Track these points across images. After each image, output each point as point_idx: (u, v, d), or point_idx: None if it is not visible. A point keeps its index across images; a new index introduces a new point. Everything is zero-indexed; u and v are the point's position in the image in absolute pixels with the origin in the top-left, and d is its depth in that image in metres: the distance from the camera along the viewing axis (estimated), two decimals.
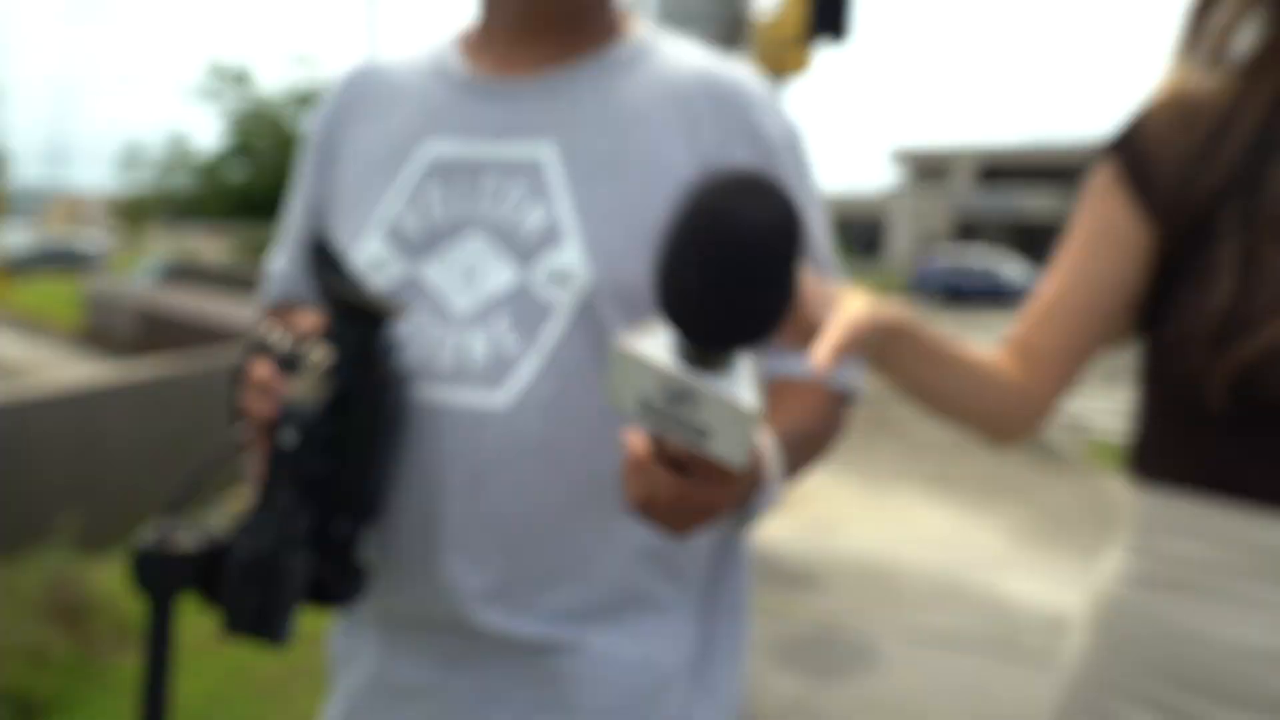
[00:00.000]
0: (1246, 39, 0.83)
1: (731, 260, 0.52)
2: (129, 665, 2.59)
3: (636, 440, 0.61)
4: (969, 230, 45.84)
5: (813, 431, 0.84)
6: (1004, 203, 45.49)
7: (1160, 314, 0.81)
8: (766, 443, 0.74)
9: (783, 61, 4.49)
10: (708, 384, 0.53)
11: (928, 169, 47.29)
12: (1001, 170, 47.03)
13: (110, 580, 2.88)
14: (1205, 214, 0.80)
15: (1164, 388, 0.84)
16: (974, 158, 47.02)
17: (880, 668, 2.84)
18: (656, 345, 0.56)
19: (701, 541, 0.84)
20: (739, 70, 0.87)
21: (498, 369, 0.78)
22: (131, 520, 1.20)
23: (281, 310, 0.97)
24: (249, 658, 2.56)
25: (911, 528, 4.32)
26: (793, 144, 0.87)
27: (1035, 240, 47.69)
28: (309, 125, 0.97)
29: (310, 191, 0.94)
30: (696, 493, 0.60)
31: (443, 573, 0.79)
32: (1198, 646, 0.77)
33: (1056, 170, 44.98)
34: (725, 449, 0.54)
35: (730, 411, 0.53)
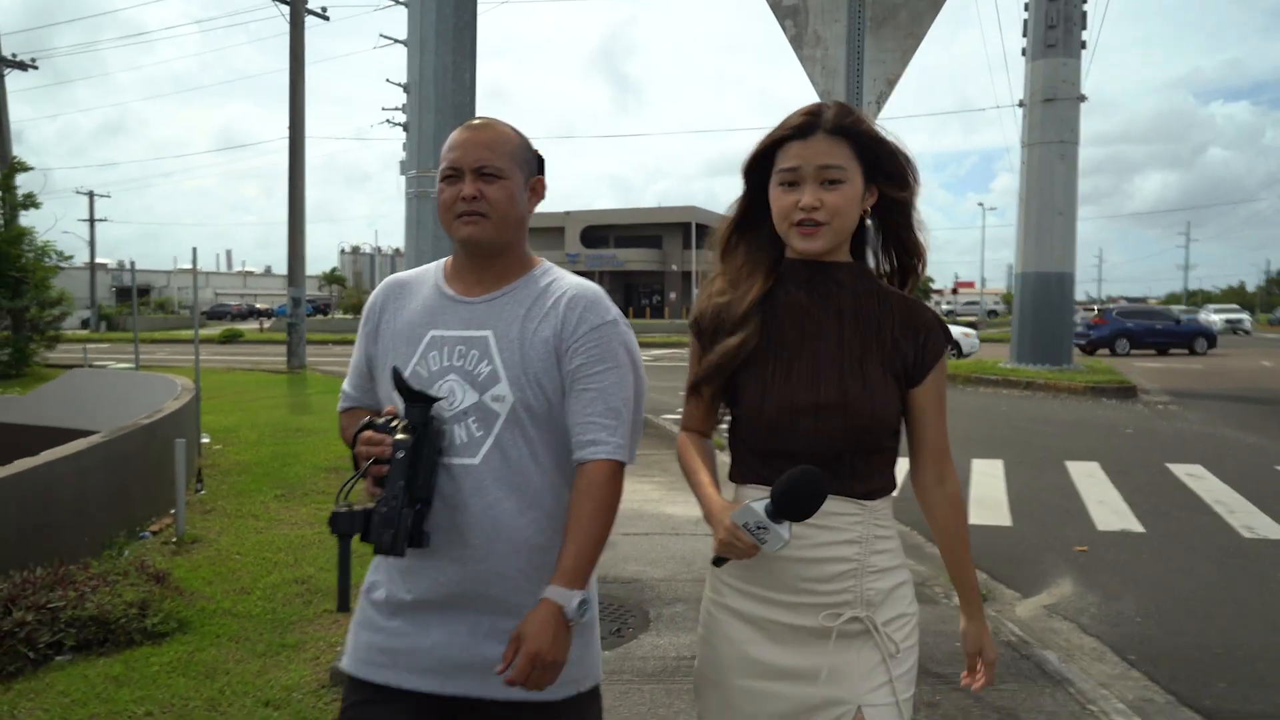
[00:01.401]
0: (742, 255, 1.64)
1: (803, 498, 1.38)
2: (200, 606, 4.27)
3: (733, 528, 1.41)
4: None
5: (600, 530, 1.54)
6: (607, 256, 51.94)
7: (731, 401, 1.62)
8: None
9: None
10: (775, 527, 1.39)
11: (546, 231, 52.20)
12: (598, 233, 53.64)
13: (162, 561, 4.46)
14: (734, 352, 1.57)
15: (737, 440, 1.62)
16: (579, 221, 52.87)
17: (618, 547, 5.39)
18: (762, 504, 1.39)
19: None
20: (590, 287, 1.63)
21: (471, 446, 1.55)
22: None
23: (352, 411, 1.74)
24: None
25: (638, 492, 7.00)
26: (610, 331, 1.60)
27: (632, 287, 55.07)
28: (366, 306, 1.74)
29: (364, 348, 1.72)
30: (732, 545, 1.43)
31: (454, 537, 1.54)
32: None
33: (644, 233, 52.59)
34: (769, 548, 1.40)
35: (777, 539, 1.39)
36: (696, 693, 1.66)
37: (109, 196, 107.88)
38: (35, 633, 3.69)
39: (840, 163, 1.51)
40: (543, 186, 1.70)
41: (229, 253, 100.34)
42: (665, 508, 6.41)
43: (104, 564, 4.53)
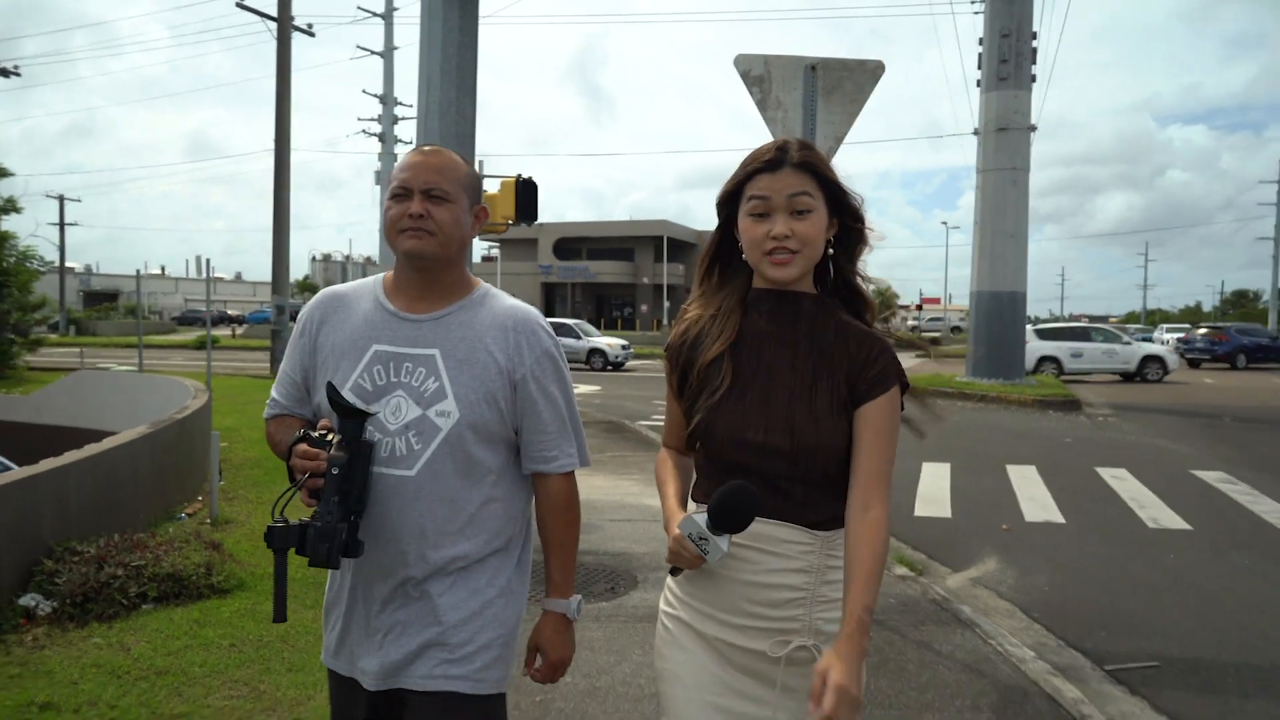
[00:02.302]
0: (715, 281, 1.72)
1: (735, 512, 1.47)
2: (251, 570, 4.98)
3: (680, 538, 1.51)
4: (550, 291, 52.58)
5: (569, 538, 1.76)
6: (579, 269, 52.73)
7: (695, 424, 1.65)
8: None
9: (491, 226, 7.76)
10: (713, 539, 1.48)
11: (520, 242, 52.76)
12: (571, 245, 54.42)
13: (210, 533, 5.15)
14: (696, 374, 1.65)
15: (698, 458, 1.68)
16: (552, 233, 53.55)
17: (605, 530, 6.14)
18: (703, 517, 1.48)
19: (510, 529, 1.72)
20: (529, 311, 1.73)
21: (408, 459, 1.62)
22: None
23: (280, 419, 1.78)
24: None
25: (620, 487, 7.70)
26: (551, 353, 1.72)
27: (604, 299, 55.88)
28: (301, 317, 1.77)
29: (299, 360, 1.76)
30: (679, 554, 1.54)
31: (389, 547, 1.63)
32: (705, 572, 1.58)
33: (616, 245, 53.47)
34: (711, 558, 1.49)
35: (716, 550, 1.48)
36: (658, 696, 1.72)
37: (79, 201, 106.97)
38: (126, 585, 4.40)
39: (808, 190, 1.56)
40: (485, 214, 1.80)
41: (202, 259, 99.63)
42: (644, 500, 7.19)
43: (165, 534, 5.23)
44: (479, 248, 62.06)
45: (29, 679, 3.53)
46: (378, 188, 49.45)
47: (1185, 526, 6.92)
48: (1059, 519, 7.16)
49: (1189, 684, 3.88)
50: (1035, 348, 22.19)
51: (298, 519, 1.53)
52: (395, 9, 46.76)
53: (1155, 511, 7.42)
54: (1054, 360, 22.40)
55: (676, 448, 1.74)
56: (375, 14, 46.91)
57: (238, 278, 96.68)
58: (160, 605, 4.44)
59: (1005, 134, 18.29)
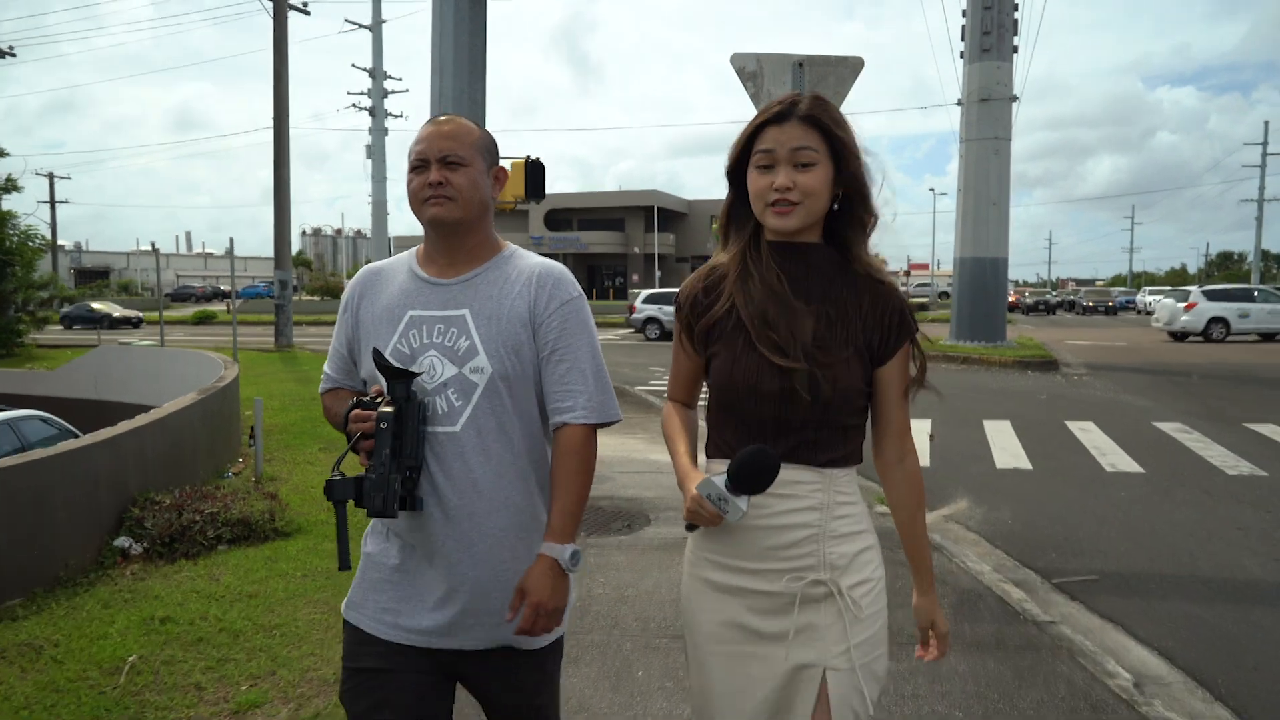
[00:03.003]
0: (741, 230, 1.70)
1: (756, 474, 1.47)
2: (307, 517, 5.62)
3: (699, 498, 1.51)
4: None
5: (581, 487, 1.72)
6: (571, 239, 53.12)
7: (709, 374, 1.69)
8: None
9: (501, 203, 8.35)
10: (733, 499, 1.49)
11: (511, 214, 53.04)
12: (561, 216, 54.72)
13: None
14: (711, 325, 1.66)
15: (710, 410, 1.70)
16: (543, 204, 53.78)
17: (617, 480, 6.80)
18: (721, 478, 1.49)
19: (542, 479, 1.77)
20: (556, 266, 1.79)
21: (451, 415, 1.69)
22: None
23: (333, 392, 1.87)
24: None
25: (626, 445, 8.43)
26: (575, 305, 1.76)
27: (595, 269, 56.34)
28: (345, 294, 1.87)
29: (345, 334, 1.84)
30: (697, 514, 1.54)
31: (443, 502, 1.68)
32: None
33: (607, 216, 53.80)
34: (730, 518, 1.50)
35: (736, 510, 1.49)
36: (686, 653, 1.77)
37: (69, 179, 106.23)
38: (204, 528, 5.05)
39: (811, 144, 1.58)
40: (505, 175, 1.85)
41: (189, 234, 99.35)
42: (650, 455, 7.86)
43: (228, 487, 5.87)
44: None
45: (142, 601, 4.17)
46: (369, 161, 49.57)
47: (1139, 469, 7.63)
48: (1027, 466, 7.86)
49: (1120, 591, 4.58)
50: (1204, 309, 23.37)
51: (354, 475, 1.64)
52: None
53: (1114, 458, 8.13)
54: (1222, 321, 23.29)
55: (684, 401, 1.78)
56: None
57: (228, 253, 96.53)
58: (234, 546, 5.09)
59: (988, 104, 18.83)
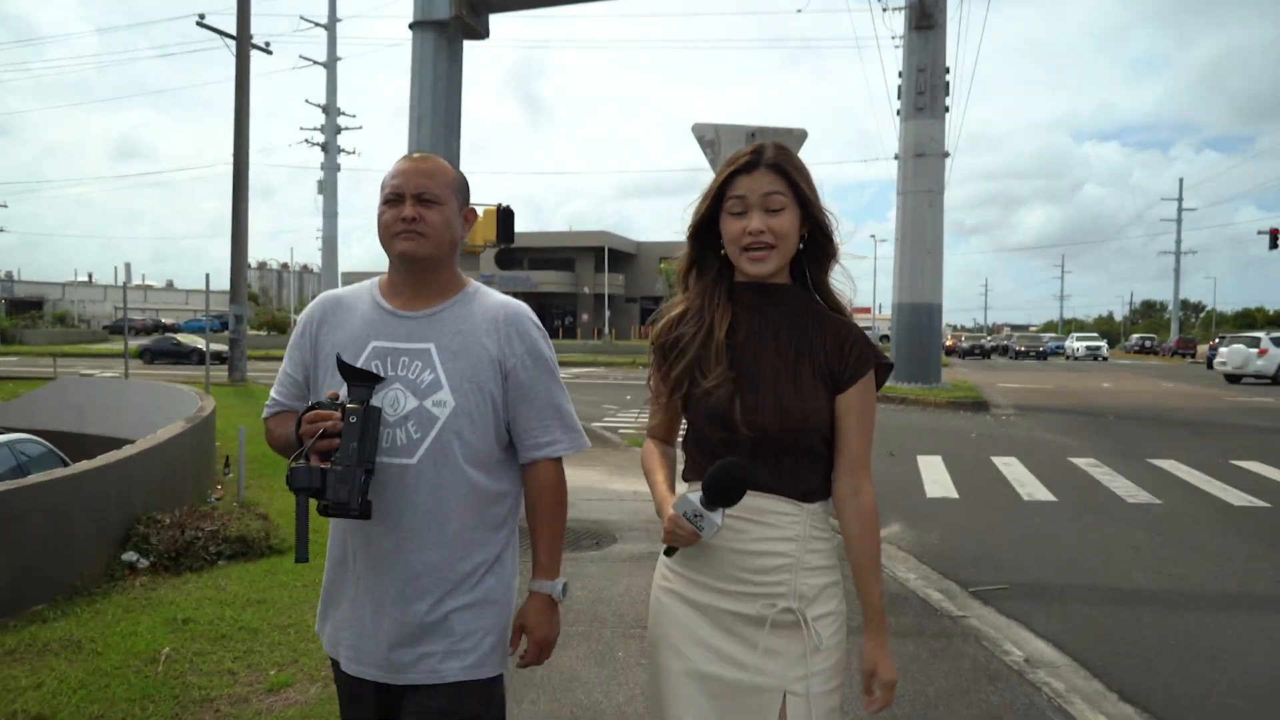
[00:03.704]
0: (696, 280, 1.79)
1: (729, 485, 1.53)
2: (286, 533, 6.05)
3: (675, 518, 1.57)
4: None
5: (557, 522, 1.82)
6: (521, 278, 53.65)
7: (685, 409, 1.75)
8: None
9: (470, 248, 8.92)
10: (708, 514, 1.55)
11: (463, 253, 53.29)
12: (512, 255, 55.28)
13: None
14: (684, 366, 1.72)
15: (687, 443, 1.76)
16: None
17: (581, 507, 7.37)
18: (696, 495, 1.55)
19: (508, 517, 1.80)
20: (519, 306, 1.83)
21: (409, 448, 1.70)
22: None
23: (279, 415, 1.85)
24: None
25: (586, 476, 8.97)
26: (540, 344, 1.81)
27: (545, 309, 56.91)
28: (301, 319, 1.86)
29: (300, 360, 1.85)
30: (675, 533, 1.59)
31: (394, 533, 1.70)
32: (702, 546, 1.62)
33: (558, 256, 54.55)
34: (706, 534, 1.56)
35: (711, 525, 1.55)
36: (648, 670, 1.82)
37: (5, 206, 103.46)
38: (206, 545, 5.47)
39: (780, 190, 1.68)
40: (474, 215, 1.89)
41: (128, 266, 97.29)
42: (609, 485, 8.43)
43: (224, 508, 6.27)
44: None
45: (159, 606, 4.60)
46: (319, 196, 49.71)
47: (1052, 498, 8.45)
48: (954, 495, 8.62)
49: (1026, 597, 5.27)
50: (1275, 354, 25.14)
51: (317, 465, 1.61)
52: (338, 19, 47.31)
53: (1032, 488, 8.95)
54: None
55: (662, 438, 1.84)
56: (318, 24, 47.33)
57: (169, 285, 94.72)
58: (233, 561, 5.51)
59: (922, 159, 20.07)
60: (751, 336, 1.72)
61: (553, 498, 1.81)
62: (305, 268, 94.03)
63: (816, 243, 1.75)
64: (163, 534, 5.44)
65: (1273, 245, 34.89)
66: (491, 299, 1.83)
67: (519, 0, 9.11)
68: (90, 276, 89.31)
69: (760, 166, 1.69)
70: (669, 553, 1.71)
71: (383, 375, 1.71)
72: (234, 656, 3.89)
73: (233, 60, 21.95)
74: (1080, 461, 10.68)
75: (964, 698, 3.58)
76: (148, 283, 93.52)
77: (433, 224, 1.74)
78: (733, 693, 1.64)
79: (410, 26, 9.21)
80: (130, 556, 5.32)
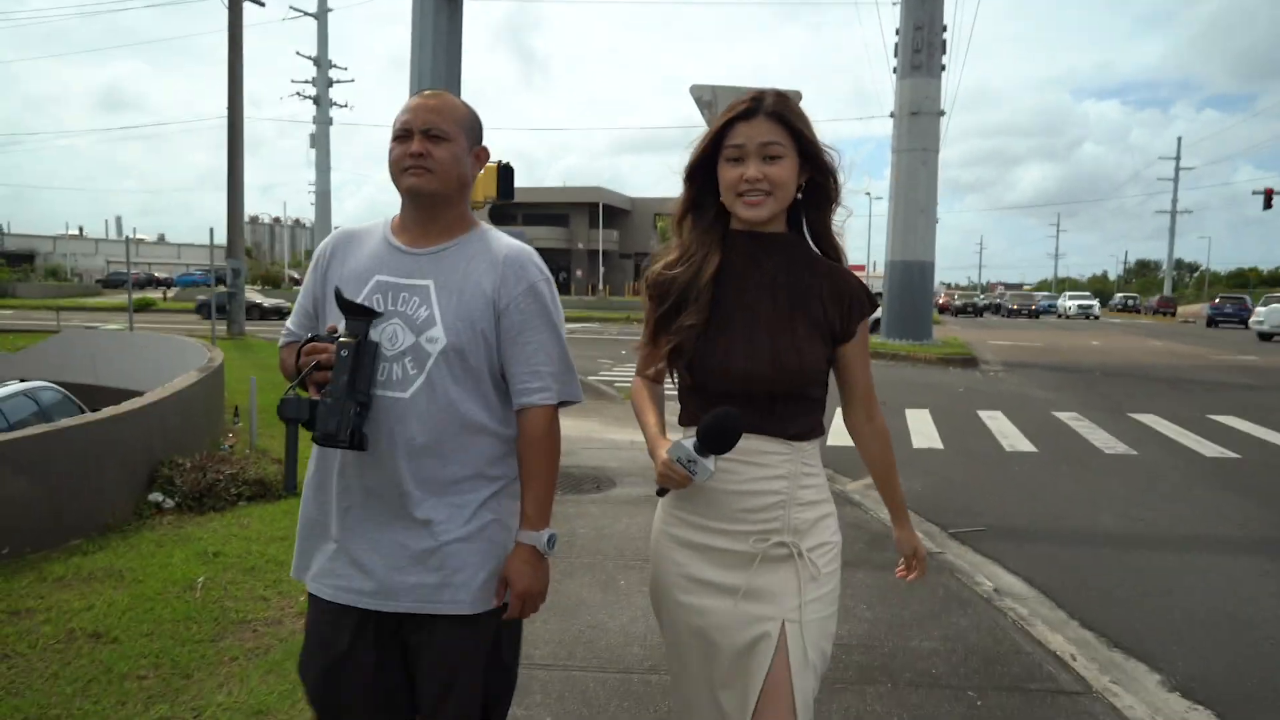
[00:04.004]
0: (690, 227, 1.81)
1: (723, 435, 1.59)
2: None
3: (669, 462, 1.62)
4: None
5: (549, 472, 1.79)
6: (515, 234, 53.52)
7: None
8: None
9: (472, 203, 9.12)
10: (701, 460, 1.61)
11: None
12: (506, 210, 55.09)
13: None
14: (678, 306, 1.75)
15: (681, 387, 1.80)
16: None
17: (581, 454, 7.66)
18: (690, 441, 1.61)
19: (504, 461, 1.79)
20: (524, 248, 1.82)
21: (404, 382, 1.72)
22: None
23: (291, 345, 1.86)
24: None
25: (584, 426, 9.27)
26: (540, 287, 1.78)
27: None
28: (316, 252, 1.89)
29: (312, 290, 1.87)
30: (668, 477, 1.65)
31: (385, 465, 1.71)
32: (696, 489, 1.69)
33: (552, 211, 54.40)
34: (699, 478, 1.62)
35: (705, 471, 1.61)
36: (654, 610, 1.89)
37: None
38: (227, 486, 5.77)
39: (778, 139, 1.67)
40: (486, 154, 1.87)
41: (119, 219, 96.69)
42: (607, 435, 8.74)
43: (240, 453, 6.56)
44: None
45: (189, 541, 4.90)
46: (311, 150, 49.41)
47: (1033, 449, 8.80)
48: (940, 446, 8.96)
49: (1001, 539, 5.62)
50: None
51: (308, 397, 1.66)
52: None
53: (1014, 440, 9.29)
54: None
55: (652, 378, 1.86)
56: None
57: (160, 239, 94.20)
58: (253, 502, 5.81)
59: (918, 118, 20.14)
60: (748, 285, 1.74)
61: (542, 446, 1.78)
62: (297, 222, 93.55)
63: (818, 187, 1.76)
64: (185, 476, 5.73)
65: (1267, 205, 35.00)
66: (499, 240, 1.84)
67: None
68: (81, 230, 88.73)
69: (760, 114, 1.69)
70: (661, 492, 1.78)
71: (382, 310, 1.73)
72: (265, 585, 4.20)
73: (223, 11, 21.78)
74: (1063, 415, 11.02)
75: (936, 620, 3.91)
76: (139, 236, 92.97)
77: (440, 160, 1.74)
78: (734, 624, 1.70)
79: None
80: (156, 497, 5.62)
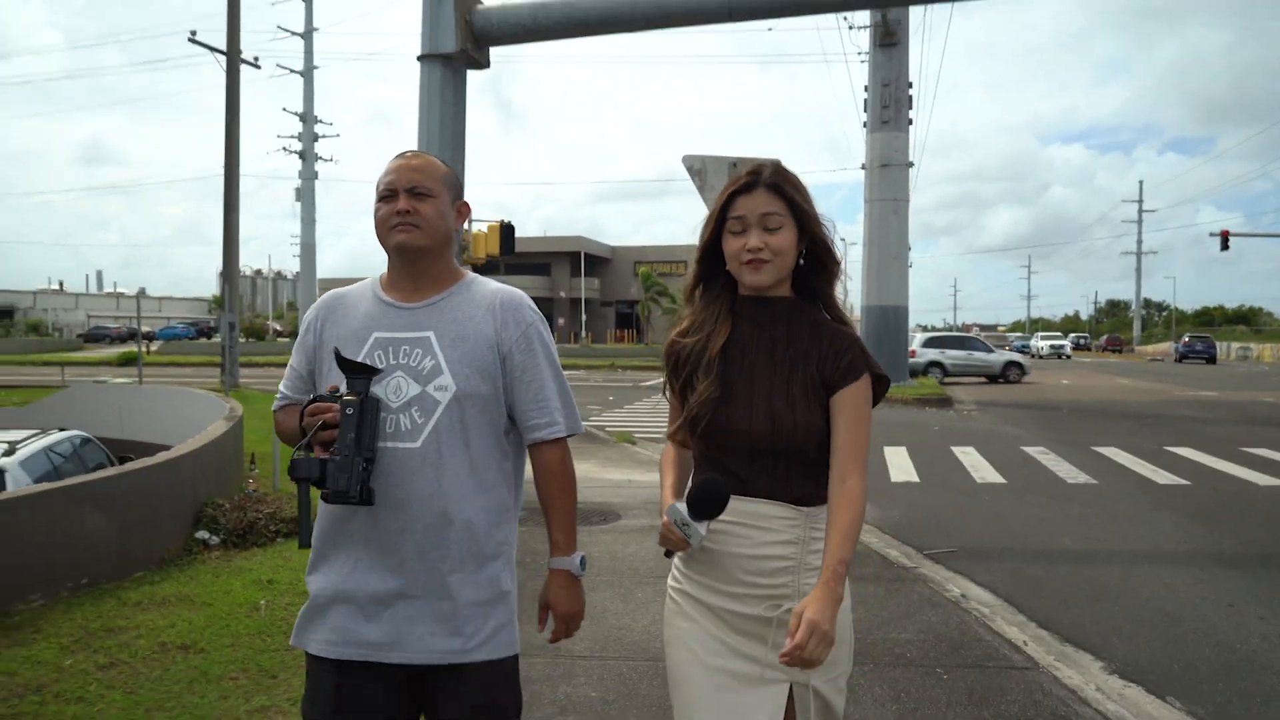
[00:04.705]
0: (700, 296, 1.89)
1: (708, 501, 1.67)
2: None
3: (668, 523, 1.70)
4: None
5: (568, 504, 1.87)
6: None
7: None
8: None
9: (474, 259, 9.78)
10: (693, 524, 1.68)
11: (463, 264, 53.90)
12: (488, 259, 55.88)
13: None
14: (690, 373, 1.84)
15: (695, 449, 1.86)
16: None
17: (583, 492, 8.25)
18: (683, 505, 1.69)
19: (510, 498, 1.85)
20: (516, 292, 1.89)
21: (413, 432, 1.75)
22: None
23: (287, 408, 1.92)
24: None
25: (582, 467, 9.86)
26: (537, 328, 1.86)
27: None
28: (306, 317, 1.93)
29: (305, 356, 1.91)
30: (668, 538, 1.72)
31: (398, 516, 1.74)
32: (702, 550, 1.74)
33: (533, 261, 55.33)
34: (692, 541, 1.69)
35: (696, 535, 1.68)
36: (666, 665, 1.90)
37: None
38: (266, 524, 6.30)
39: (777, 210, 1.77)
40: (467, 209, 1.95)
41: (99, 273, 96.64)
42: (606, 475, 9.33)
43: (273, 494, 7.09)
44: None
45: (242, 572, 5.42)
46: (297, 204, 50.16)
47: (1002, 481, 9.47)
48: (916, 479, 9.61)
49: (971, 557, 6.24)
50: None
51: (317, 456, 1.69)
52: (315, 29, 47.84)
53: (985, 473, 9.97)
54: (939, 365, 25.74)
55: (681, 442, 1.90)
56: (294, 33, 47.83)
57: (141, 293, 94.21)
58: (289, 538, 6.34)
59: (888, 169, 21.17)
60: (749, 348, 1.82)
61: (559, 479, 1.87)
62: (279, 274, 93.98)
63: (817, 257, 1.84)
64: (229, 515, 6.26)
65: (1224, 246, 36.43)
66: (488, 287, 1.91)
67: (518, 35, 9.97)
68: (61, 284, 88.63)
69: (759, 187, 1.79)
70: (668, 554, 1.83)
71: (384, 365, 1.78)
72: None
73: (204, 68, 22.58)
74: (1031, 449, 11.74)
75: (910, 619, 4.52)
76: (120, 290, 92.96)
77: (426, 216, 1.81)
78: (742, 685, 1.74)
79: (418, 59, 10.06)
80: (203, 535, 6.14)
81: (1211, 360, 45.03)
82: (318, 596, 1.82)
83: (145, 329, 64.55)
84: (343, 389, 1.73)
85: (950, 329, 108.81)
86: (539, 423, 1.84)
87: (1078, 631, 4.63)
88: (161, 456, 6.04)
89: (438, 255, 1.86)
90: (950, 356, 26.07)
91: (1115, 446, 11.89)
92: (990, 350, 27.31)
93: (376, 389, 1.75)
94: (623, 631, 4.28)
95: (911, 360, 25.61)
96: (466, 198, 2.00)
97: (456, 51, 9.73)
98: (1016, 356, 27.89)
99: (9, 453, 6.54)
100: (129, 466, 5.63)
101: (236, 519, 6.26)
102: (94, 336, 61.44)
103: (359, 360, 1.77)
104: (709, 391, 1.79)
